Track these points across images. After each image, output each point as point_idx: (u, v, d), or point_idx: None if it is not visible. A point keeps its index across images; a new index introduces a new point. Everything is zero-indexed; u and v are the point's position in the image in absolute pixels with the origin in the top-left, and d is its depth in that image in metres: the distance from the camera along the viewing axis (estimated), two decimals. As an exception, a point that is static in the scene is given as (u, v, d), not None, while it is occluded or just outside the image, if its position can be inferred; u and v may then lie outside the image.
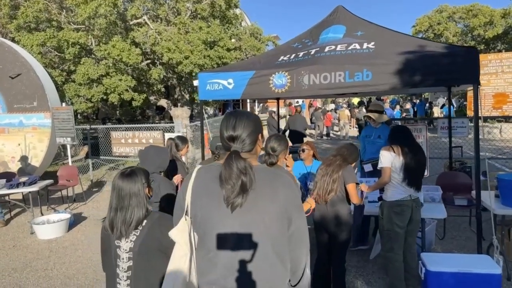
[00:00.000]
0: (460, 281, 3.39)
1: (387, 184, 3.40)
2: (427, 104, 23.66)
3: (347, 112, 17.91)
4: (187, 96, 13.11)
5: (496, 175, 4.12)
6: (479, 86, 3.66)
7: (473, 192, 4.65)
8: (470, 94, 18.52)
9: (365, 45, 4.35)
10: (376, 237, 4.58)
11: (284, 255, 1.60)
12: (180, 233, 1.63)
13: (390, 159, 3.34)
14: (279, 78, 4.33)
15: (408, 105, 22.03)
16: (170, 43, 9.60)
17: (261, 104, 30.00)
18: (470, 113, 18.06)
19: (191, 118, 14.95)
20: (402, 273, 3.43)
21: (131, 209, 1.98)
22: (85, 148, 11.89)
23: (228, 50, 10.31)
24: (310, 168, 4.16)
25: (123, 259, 2.00)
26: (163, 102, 13.20)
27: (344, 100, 29.45)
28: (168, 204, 3.16)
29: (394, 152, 3.33)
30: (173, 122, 12.69)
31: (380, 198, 3.82)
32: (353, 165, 3.46)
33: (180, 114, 12.62)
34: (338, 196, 3.23)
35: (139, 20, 10.48)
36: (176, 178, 3.90)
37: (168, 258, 2.01)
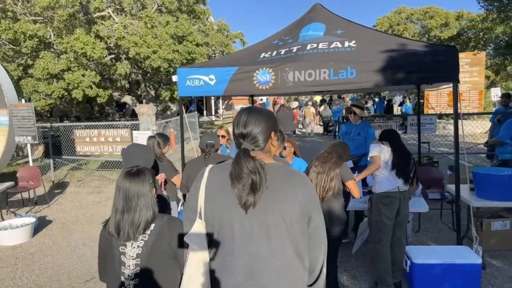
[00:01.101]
0: (444, 272, 3.52)
1: (376, 176, 3.50)
2: (386, 102, 24.58)
3: (312, 109, 18.18)
4: (152, 93, 12.74)
5: (471, 170, 4.31)
6: (458, 83, 3.81)
7: (449, 186, 4.86)
8: (427, 92, 19.44)
9: (346, 44, 4.39)
10: (358, 232, 4.67)
11: (304, 255, 1.56)
12: (197, 236, 1.54)
13: (379, 149, 3.50)
14: (263, 74, 4.27)
15: (369, 103, 22.73)
16: (136, 37, 9.26)
17: (225, 101, 29.81)
18: (427, 111, 19.00)
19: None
20: (390, 266, 3.51)
21: (139, 210, 1.85)
22: (40, 148, 11.21)
23: (197, 45, 10.11)
24: (292, 166, 4.16)
25: (129, 266, 1.87)
26: (127, 99, 12.76)
27: (307, 98, 29.94)
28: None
29: (383, 145, 3.43)
30: (136, 119, 12.30)
31: (369, 192, 3.90)
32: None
33: (146, 111, 12.18)
34: (333, 191, 3.24)
35: (102, 13, 10.02)
36: (160, 177, 3.75)
37: (177, 263, 1.92)
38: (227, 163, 1.61)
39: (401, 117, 17.43)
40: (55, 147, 9.58)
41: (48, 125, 9.55)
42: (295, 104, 26.27)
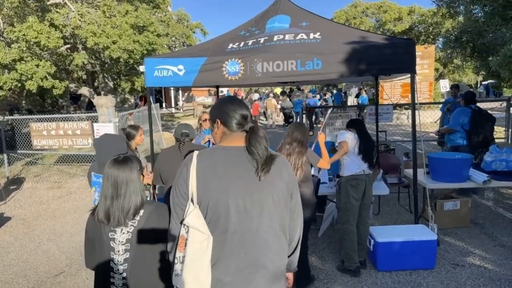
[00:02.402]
0: (404, 249, 3.82)
1: (344, 160, 3.72)
2: (343, 94, 25.42)
3: (274, 101, 18.43)
4: (111, 84, 12.36)
5: (426, 155, 4.65)
6: (415, 75, 4.09)
7: (406, 171, 5.20)
8: (381, 83, 20.30)
9: (311, 35, 4.55)
10: (323, 216, 4.91)
11: (286, 229, 1.75)
12: (197, 218, 1.60)
13: (347, 135, 3.71)
14: (232, 65, 4.34)
15: (328, 95, 23.37)
16: (94, 27, 8.95)
17: (186, 93, 29.40)
18: (382, 101, 19.84)
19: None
20: (356, 245, 3.76)
21: (128, 196, 1.90)
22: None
23: (159, 36, 9.94)
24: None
25: (118, 251, 1.92)
26: (84, 90, 12.27)
27: (267, 90, 30.22)
28: None
29: (351, 131, 3.65)
30: (92, 112, 11.87)
31: (338, 176, 4.11)
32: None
33: (105, 103, 11.86)
34: (301, 178, 3.40)
35: (57, 1, 9.56)
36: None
37: (163, 247, 1.98)
38: (214, 148, 1.73)
39: (357, 108, 18.15)
40: (7, 142, 9.10)
41: (1, 118, 9.02)
42: (256, 96, 26.46)
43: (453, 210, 4.90)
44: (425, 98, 20.34)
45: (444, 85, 14.76)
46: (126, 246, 1.92)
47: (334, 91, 26.88)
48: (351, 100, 24.84)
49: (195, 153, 1.71)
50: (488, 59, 4.98)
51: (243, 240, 1.61)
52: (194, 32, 14.24)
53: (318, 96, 22.33)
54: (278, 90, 28.11)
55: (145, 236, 1.93)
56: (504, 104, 7.89)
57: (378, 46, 4.07)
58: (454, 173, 4.33)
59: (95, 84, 13.29)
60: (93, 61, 10.74)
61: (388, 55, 4.00)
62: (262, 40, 4.63)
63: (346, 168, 3.75)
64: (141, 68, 4.63)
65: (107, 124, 7.93)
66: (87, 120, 8.43)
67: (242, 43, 4.71)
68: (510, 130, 7.52)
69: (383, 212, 5.68)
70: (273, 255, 1.66)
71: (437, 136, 8.24)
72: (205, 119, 5.26)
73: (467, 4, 5.00)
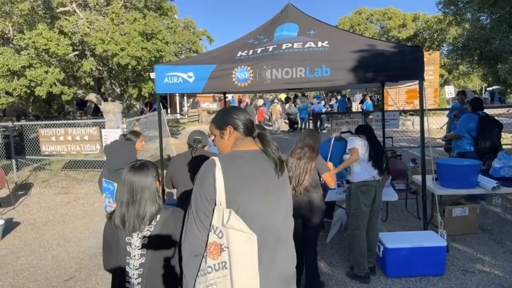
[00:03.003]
0: (414, 255, 3.82)
1: (355, 167, 3.74)
2: (347, 100, 25.44)
3: (278, 107, 18.50)
4: (118, 90, 12.47)
5: (435, 161, 4.66)
6: (423, 81, 4.12)
7: (414, 177, 5.21)
8: (386, 89, 20.31)
9: (319, 44, 4.60)
10: (332, 222, 4.92)
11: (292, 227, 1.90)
12: (237, 220, 1.62)
13: (357, 142, 3.73)
14: (241, 72, 4.40)
15: (333, 101, 23.41)
16: (103, 34, 9.06)
17: (191, 99, 29.54)
18: (387, 107, 19.84)
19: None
20: (366, 251, 3.77)
21: (143, 202, 1.94)
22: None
23: (167, 43, 10.04)
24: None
25: (134, 256, 1.95)
26: (91, 96, 12.38)
27: (271, 96, 30.30)
28: None
29: (360, 138, 3.68)
30: (98, 118, 11.96)
31: (347, 182, 4.12)
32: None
33: (112, 109, 11.95)
34: (311, 183, 3.43)
35: (66, 8, 9.70)
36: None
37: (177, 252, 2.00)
38: (234, 152, 1.78)
39: (362, 114, 18.17)
40: (15, 147, 9.19)
41: (9, 124, 9.13)
42: (260, 102, 26.55)
43: (461, 216, 4.89)
44: (430, 104, 20.31)
45: (449, 91, 14.76)
46: (142, 251, 1.95)
47: (339, 97, 26.92)
48: (356, 106, 24.87)
49: (218, 157, 1.73)
50: (496, 66, 5.00)
51: (272, 238, 1.70)
52: (200, 39, 14.37)
53: (323, 102, 22.36)
54: (282, 96, 28.20)
55: (161, 242, 1.97)
56: (511, 110, 7.88)
57: (386, 53, 4.11)
58: (463, 179, 4.34)
59: (102, 90, 13.41)
60: (100, 68, 10.85)
61: (396, 62, 4.04)
62: (270, 48, 4.68)
63: (356, 174, 3.77)
64: (152, 75, 4.69)
65: (115, 130, 8.01)
66: (95, 126, 8.51)
67: (251, 51, 4.76)
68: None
69: (391, 218, 5.68)
70: (290, 251, 1.80)
71: (444, 142, 8.23)
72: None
73: (474, 11, 5.04)
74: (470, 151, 5.85)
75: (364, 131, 3.91)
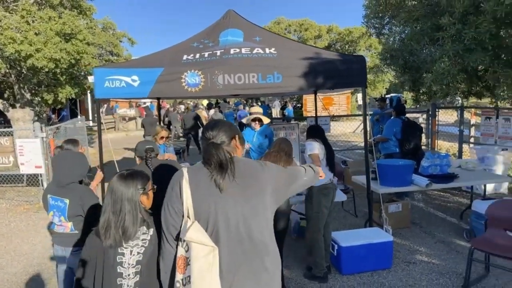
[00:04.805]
0: (366, 251, 4.05)
1: None
2: (267, 106, 26.28)
3: (204, 113, 18.30)
4: (28, 96, 11.21)
5: (375, 162, 5.01)
6: (366, 88, 4.43)
7: (355, 177, 5.53)
8: (305, 97, 21.41)
9: (267, 50, 4.66)
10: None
11: (272, 230, 1.81)
12: (198, 232, 1.59)
13: (316, 146, 3.78)
14: (192, 77, 4.27)
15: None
16: (13, 33, 8.09)
17: (105, 105, 27.72)
18: (306, 114, 20.96)
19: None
20: (324, 252, 3.89)
21: (122, 214, 1.78)
22: None
23: (88, 44, 9.32)
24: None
25: (128, 275, 1.76)
26: (-4, 103, 10.96)
27: (194, 102, 29.87)
28: (96, 219, 2.78)
29: (317, 141, 3.78)
30: (8, 126, 10.63)
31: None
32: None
33: (22, 116, 10.70)
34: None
35: (-35, 1, 8.47)
36: (94, 186, 3.44)
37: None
38: (200, 164, 1.76)
39: (283, 120, 18.89)
40: None
41: None
42: (182, 107, 26.00)
43: (396, 212, 5.33)
44: (343, 110, 21.94)
45: (360, 98, 16.08)
46: (136, 269, 1.78)
47: (259, 104, 27.62)
48: (275, 112, 25.77)
49: (184, 169, 1.74)
50: (417, 75, 5.60)
51: (247, 248, 1.65)
52: (121, 41, 13.60)
53: (247, 109, 22.73)
54: (205, 102, 28.01)
55: (156, 257, 1.81)
56: (425, 116, 8.87)
57: (334, 62, 4.33)
58: (400, 178, 4.74)
59: (5, 95, 11.96)
60: (8, 70, 9.66)
61: (343, 70, 4.28)
62: (218, 52, 4.62)
63: (317, 178, 3.86)
64: (91, 79, 4.31)
65: (33, 140, 7.19)
66: (7, 135, 7.54)
67: (198, 55, 4.65)
68: (430, 138, 8.46)
69: (331, 217, 5.95)
70: (273, 259, 1.73)
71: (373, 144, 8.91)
72: (162, 137, 4.96)
73: (399, 25, 5.60)
74: (396, 152, 6.43)
75: (319, 134, 3.98)
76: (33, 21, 8.66)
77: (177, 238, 1.64)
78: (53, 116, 24.14)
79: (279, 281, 1.77)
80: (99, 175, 3.51)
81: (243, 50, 4.63)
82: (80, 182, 3.05)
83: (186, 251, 1.59)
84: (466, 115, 8.93)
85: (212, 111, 19.39)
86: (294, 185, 1.96)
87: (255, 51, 4.63)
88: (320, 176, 2.24)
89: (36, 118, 14.25)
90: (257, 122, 5.46)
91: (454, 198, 6.74)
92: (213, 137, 1.75)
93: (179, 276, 1.61)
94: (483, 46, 4.37)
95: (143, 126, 11.56)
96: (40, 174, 7.34)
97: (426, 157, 5.15)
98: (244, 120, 5.81)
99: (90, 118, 28.48)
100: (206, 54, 4.64)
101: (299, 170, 2.04)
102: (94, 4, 11.25)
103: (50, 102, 10.08)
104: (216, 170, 1.64)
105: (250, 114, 5.68)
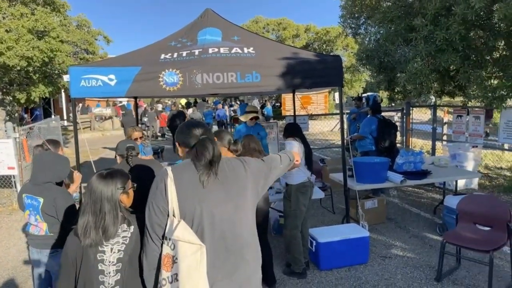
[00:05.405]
0: (343, 247, 4.15)
1: (293, 170, 3.88)
2: (246, 105, 26.36)
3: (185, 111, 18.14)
4: (-2, 95, 10.86)
5: (351, 160, 5.12)
6: (342, 87, 4.52)
7: (332, 175, 5.63)
8: (284, 96, 21.56)
9: (245, 50, 4.69)
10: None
11: (255, 226, 1.87)
12: (185, 231, 1.61)
13: (296, 145, 3.84)
14: (170, 76, 4.25)
15: (236, 106, 23.94)
16: (-17, 29, 7.83)
17: (80, 104, 27.09)
18: (284, 112, 21.12)
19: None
20: (301, 248, 3.95)
21: (102, 214, 1.78)
22: None
23: (62, 41, 9.11)
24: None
25: (109, 273, 1.76)
26: (-37, 102, 10.55)
27: (171, 101, 29.58)
28: (69, 222, 2.75)
29: (297, 140, 3.84)
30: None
31: (286, 184, 4.22)
32: None
33: (-8, 116, 10.38)
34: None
35: None
36: (73, 189, 3.37)
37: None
38: (187, 162, 1.77)
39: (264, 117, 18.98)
40: None
41: None
42: (159, 106, 25.72)
43: (372, 208, 5.46)
44: (321, 109, 22.20)
45: (337, 97, 16.36)
46: (117, 267, 1.78)
47: (238, 103, 27.62)
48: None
49: (168, 168, 1.74)
50: (392, 75, 5.75)
51: (229, 244, 1.69)
52: (96, 39, 13.33)
53: (226, 107, 22.72)
54: (183, 101, 27.76)
55: (137, 254, 1.81)
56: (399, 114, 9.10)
57: (311, 61, 4.40)
58: (376, 175, 4.86)
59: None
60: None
61: (320, 70, 4.36)
62: (197, 52, 4.62)
63: (295, 176, 3.89)
64: (66, 78, 4.23)
65: (4, 140, 6.99)
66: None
67: (176, 54, 4.64)
68: (405, 135, 8.69)
69: (309, 214, 6.04)
70: (253, 252, 1.79)
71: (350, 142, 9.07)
72: (136, 138, 4.88)
73: (374, 25, 5.74)
74: (372, 150, 6.58)
75: (297, 132, 4.03)
76: (3, 18, 8.40)
77: (163, 237, 1.66)
78: (25, 115, 23.43)
79: (260, 273, 1.83)
80: (78, 177, 3.45)
81: (222, 50, 4.64)
82: (60, 184, 3.00)
83: (172, 249, 1.61)
84: (439, 113, 9.21)
85: (190, 110, 19.26)
86: (272, 175, 2.01)
87: (233, 50, 4.65)
88: (296, 161, 2.26)
89: (7, 118, 13.84)
90: (253, 120, 5.84)
91: (428, 194, 6.95)
92: (202, 135, 1.77)
93: (165, 274, 1.63)
94: (454, 47, 4.54)
95: (122, 125, 11.40)
96: (13, 176, 7.15)
97: (401, 154, 5.30)
98: (242, 118, 6.04)
99: (65, 117, 27.78)
100: (184, 53, 4.62)
101: (275, 159, 2.09)
102: (68, 1, 10.98)
103: (22, 101, 9.79)
104: (204, 166, 1.67)
105: (247, 112, 5.96)
